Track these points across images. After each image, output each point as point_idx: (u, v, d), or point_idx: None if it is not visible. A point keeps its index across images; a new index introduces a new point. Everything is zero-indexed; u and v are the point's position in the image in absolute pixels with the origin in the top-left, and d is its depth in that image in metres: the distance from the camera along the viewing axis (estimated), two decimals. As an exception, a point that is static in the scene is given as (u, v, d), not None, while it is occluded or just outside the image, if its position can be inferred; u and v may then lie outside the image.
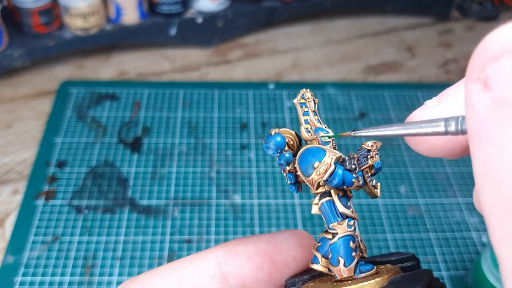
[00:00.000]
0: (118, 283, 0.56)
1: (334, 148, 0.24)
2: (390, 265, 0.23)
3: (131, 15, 0.83)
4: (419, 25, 0.97)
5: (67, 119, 0.74)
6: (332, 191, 0.23)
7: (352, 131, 0.23)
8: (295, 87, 0.81)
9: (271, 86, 0.81)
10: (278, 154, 0.23)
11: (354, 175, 0.22)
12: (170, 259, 0.59)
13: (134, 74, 0.84)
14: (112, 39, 0.84)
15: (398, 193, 0.67)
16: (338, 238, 0.23)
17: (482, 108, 0.16)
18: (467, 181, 0.69)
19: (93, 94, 0.78)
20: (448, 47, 0.92)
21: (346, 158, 0.23)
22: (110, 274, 0.57)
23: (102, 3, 0.81)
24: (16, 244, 0.59)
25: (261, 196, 0.66)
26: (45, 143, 0.71)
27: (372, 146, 0.24)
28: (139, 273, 0.57)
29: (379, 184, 0.24)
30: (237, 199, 0.65)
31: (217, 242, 0.61)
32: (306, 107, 0.25)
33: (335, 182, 0.22)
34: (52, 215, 0.62)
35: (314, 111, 0.25)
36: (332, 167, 0.22)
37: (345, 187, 0.22)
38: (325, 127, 0.24)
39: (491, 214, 0.15)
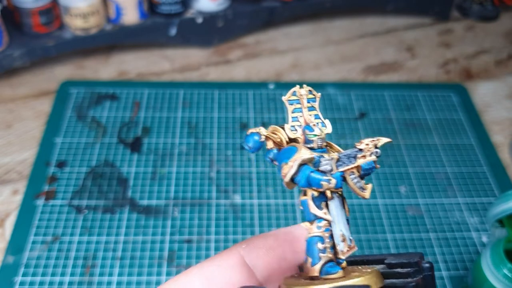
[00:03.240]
0: (118, 283, 0.56)
1: (321, 147, 0.23)
2: (368, 268, 0.23)
3: (131, 15, 0.83)
4: (419, 25, 0.97)
5: (67, 119, 0.74)
6: (307, 190, 0.23)
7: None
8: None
9: (271, 86, 0.81)
10: (254, 152, 0.24)
11: (325, 177, 0.22)
12: (170, 259, 0.59)
13: (134, 74, 0.84)
14: (112, 39, 0.84)
15: (398, 193, 0.67)
16: (309, 238, 0.23)
17: None
18: (467, 181, 0.69)
19: (93, 94, 0.78)
20: (448, 47, 0.92)
21: (322, 159, 0.22)
22: (110, 274, 0.57)
23: (102, 3, 0.81)
24: (16, 244, 0.59)
25: (261, 196, 0.66)
26: (45, 143, 0.71)
27: (367, 144, 0.23)
28: (139, 273, 0.57)
29: (369, 185, 0.23)
30: (237, 199, 0.65)
31: (217, 242, 0.61)
32: (298, 103, 0.25)
33: (300, 184, 0.22)
34: (52, 215, 0.62)
35: (312, 106, 0.25)
36: (293, 169, 0.22)
37: (315, 188, 0.22)
38: (314, 125, 0.24)
39: None
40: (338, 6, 0.93)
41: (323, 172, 0.22)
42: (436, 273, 0.59)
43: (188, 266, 0.58)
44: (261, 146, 0.24)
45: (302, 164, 0.22)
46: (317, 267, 0.22)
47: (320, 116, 0.24)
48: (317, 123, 0.24)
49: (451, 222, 0.64)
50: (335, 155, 0.23)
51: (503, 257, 0.49)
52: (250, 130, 0.24)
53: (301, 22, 0.95)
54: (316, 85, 0.82)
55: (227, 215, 0.63)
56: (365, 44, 0.92)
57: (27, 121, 0.75)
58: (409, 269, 0.23)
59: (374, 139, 0.24)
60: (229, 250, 0.25)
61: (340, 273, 0.22)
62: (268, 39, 0.92)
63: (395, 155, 0.71)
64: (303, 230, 0.25)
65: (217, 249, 0.60)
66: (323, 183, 0.22)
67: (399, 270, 0.23)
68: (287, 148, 0.23)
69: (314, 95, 0.25)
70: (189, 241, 0.61)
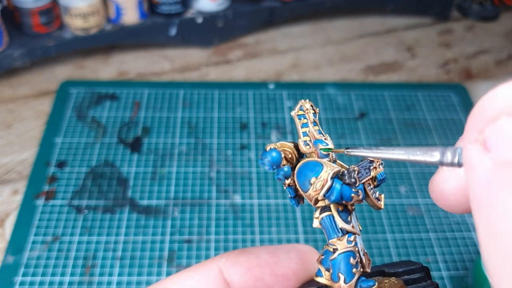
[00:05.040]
0: (118, 283, 0.56)
1: (334, 161, 0.23)
2: (394, 279, 0.23)
3: (131, 15, 0.83)
4: (419, 25, 0.97)
5: (67, 119, 0.74)
6: (331, 206, 0.22)
7: (346, 148, 0.22)
8: (295, 87, 0.81)
9: (271, 86, 0.81)
10: (276, 169, 0.23)
11: (353, 190, 0.22)
12: (170, 259, 0.59)
13: (134, 74, 0.84)
14: (112, 39, 0.84)
15: (398, 193, 0.67)
16: (338, 254, 0.22)
17: (483, 171, 0.15)
18: (467, 181, 0.69)
19: (93, 94, 0.78)
20: (448, 47, 0.92)
21: (346, 171, 0.22)
22: (110, 274, 0.57)
23: (102, 3, 0.81)
24: (16, 244, 0.59)
25: (261, 196, 0.66)
26: (45, 143, 0.71)
27: None
28: (139, 273, 0.57)
29: (383, 195, 0.23)
30: (237, 199, 0.65)
31: (217, 242, 0.61)
32: (305, 118, 0.24)
33: (333, 198, 0.22)
34: (52, 215, 0.62)
35: (314, 121, 0.24)
36: (329, 183, 0.22)
37: (344, 202, 0.22)
38: (325, 138, 0.24)
39: (499, 283, 0.14)
40: (338, 6, 0.93)
41: (349, 185, 0.22)
42: (436, 273, 0.59)
43: (188, 266, 0.58)
44: (280, 162, 0.23)
45: (332, 178, 0.22)
46: (353, 283, 0.22)
47: (322, 131, 0.24)
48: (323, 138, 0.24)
49: (451, 222, 0.64)
50: (355, 167, 0.22)
51: (503, 257, 0.49)
52: (269, 146, 0.23)
53: (301, 22, 0.95)
54: (316, 85, 0.82)
55: (227, 215, 0.63)
56: (365, 44, 0.92)
57: (27, 121, 0.75)
58: (417, 274, 0.23)
59: None
60: (209, 262, 0.25)
61: (376, 286, 0.22)
62: (268, 39, 0.92)
63: (395, 155, 0.71)
64: (291, 252, 0.25)
65: (217, 249, 0.60)
66: (354, 195, 0.22)
67: (408, 277, 0.23)
68: (308, 163, 0.23)
69: (314, 110, 0.25)
70: (189, 241, 0.61)
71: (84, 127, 0.73)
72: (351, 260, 0.22)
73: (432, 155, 0.18)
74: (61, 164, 0.68)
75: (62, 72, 0.83)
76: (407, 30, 0.96)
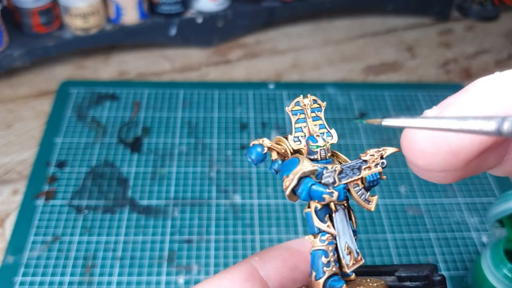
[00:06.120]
0: (118, 283, 0.56)
1: (325, 158, 0.23)
2: (378, 283, 0.23)
3: (131, 15, 0.83)
4: (419, 25, 0.97)
5: (67, 119, 0.74)
6: (310, 203, 0.22)
7: (383, 118, 0.21)
8: (295, 87, 0.81)
9: (271, 86, 0.81)
10: (257, 164, 0.23)
11: (327, 190, 0.21)
12: (170, 259, 0.59)
13: (134, 74, 0.84)
14: (112, 39, 0.84)
15: (398, 193, 0.67)
16: (312, 251, 0.23)
17: None
18: (467, 181, 0.69)
19: (93, 94, 0.78)
20: (448, 47, 0.92)
21: (324, 171, 0.22)
22: (110, 274, 0.57)
23: (102, 3, 0.81)
24: (16, 244, 0.59)
25: (261, 196, 0.66)
26: (45, 143, 0.71)
27: (372, 155, 0.23)
28: (139, 273, 0.57)
29: (375, 197, 0.23)
30: (237, 199, 0.65)
31: (217, 242, 0.61)
32: (302, 114, 0.24)
33: (301, 197, 0.22)
34: (52, 215, 0.62)
35: (317, 116, 0.24)
36: (293, 182, 0.22)
37: (317, 201, 0.22)
38: (318, 135, 0.23)
39: None
40: (338, 6, 0.93)
41: (326, 185, 0.22)
42: (436, 273, 0.58)
43: (188, 266, 0.58)
44: (264, 158, 0.23)
45: (303, 177, 0.22)
46: (321, 281, 0.22)
47: (326, 125, 0.24)
48: (323, 133, 0.24)
49: (451, 222, 0.64)
50: (338, 167, 0.22)
51: (503, 257, 0.49)
52: (253, 142, 0.23)
53: (301, 22, 0.95)
54: (316, 85, 0.82)
55: (227, 215, 0.63)
56: (365, 44, 0.92)
57: (27, 121, 0.75)
58: (417, 283, 0.22)
59: (380, 149, 0.23)
60: (241, 263, 0.25)
61: (344, 287, 0.22)
62: (268, 39, 0.92)
63: (395, 155, 0.71)
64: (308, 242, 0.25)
65: (217, 249, 0.60)
66: (325, 196, 0.21)
67: (408, 283, 0.23)
68: (289, 160, 0.23)
69: (319, 104, 0.24)
70: (189, 241, 0.61)
71: (84, 127, 0.73)
72: (323, 259, 0.22)
73: (488, 124, 0.16)
74: (61, 164, 0.68)
75: (62, 72, 0.83)
76: (407, 30, 0.96)
